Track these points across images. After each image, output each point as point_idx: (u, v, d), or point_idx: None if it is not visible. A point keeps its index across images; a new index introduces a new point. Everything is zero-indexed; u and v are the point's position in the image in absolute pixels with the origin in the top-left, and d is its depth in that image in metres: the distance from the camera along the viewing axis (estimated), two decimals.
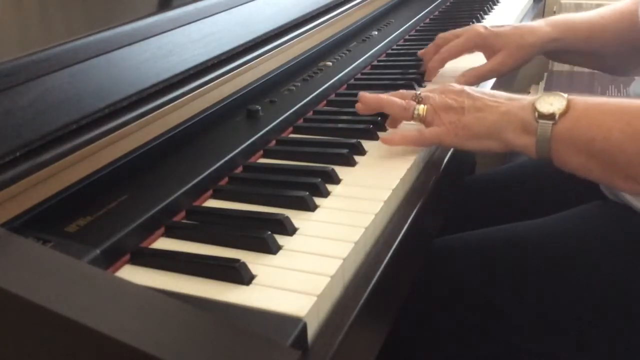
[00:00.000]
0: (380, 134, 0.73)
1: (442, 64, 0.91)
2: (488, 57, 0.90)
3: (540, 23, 0.90)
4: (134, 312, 0.38)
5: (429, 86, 0.88)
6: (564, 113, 0.62)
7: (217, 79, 0.74)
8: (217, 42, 0.76)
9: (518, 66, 0.89)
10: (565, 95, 0.63)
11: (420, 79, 0.91)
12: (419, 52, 0.95)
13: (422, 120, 0.69)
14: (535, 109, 0.63)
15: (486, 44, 0.89)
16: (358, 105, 0.73)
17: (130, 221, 0.52)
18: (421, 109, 0.69)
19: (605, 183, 0.74)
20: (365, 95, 0.73)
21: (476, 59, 0.92)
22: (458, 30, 0.92)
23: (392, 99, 0.71)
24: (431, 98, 0.70)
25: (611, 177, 0.62)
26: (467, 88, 0.70)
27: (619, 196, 0.77)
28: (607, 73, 1.05)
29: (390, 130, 0.75)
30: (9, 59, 0.52)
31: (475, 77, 0.87)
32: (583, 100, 0.63)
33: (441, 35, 0.93)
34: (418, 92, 0.71)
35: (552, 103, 0.63)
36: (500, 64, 0.87)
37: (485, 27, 0.89)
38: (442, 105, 0.68)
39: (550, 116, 0.62)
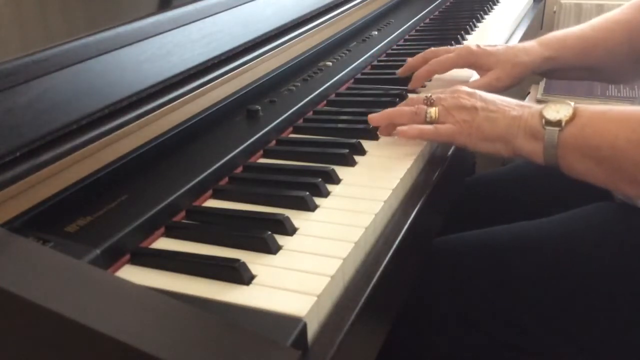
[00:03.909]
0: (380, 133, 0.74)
1: (430, 75, 0.89)
2: (480, 75, 0.89)
3: (532, 43, 0.90)
4: (134, 312, 0.38)
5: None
6: (570, 120, 0.64)
7: (217, 79, 0.74)
8: (217, 42, 0.76)
9: (512, 84, 0.87)
10: (572, 103, 0.65)
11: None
12: (409, 60, 0.92)
13: (435, 122, 0.70)
14: (542, 116, 0.65)
15: (478, 62, 0.88)
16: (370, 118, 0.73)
17: (130, 221, 0.52)
18: (433, 111, 0.70)
19: (611, 188, 0.75)
20: (373, 116, 0.73)
21: (462, 73, 0.92)
22: (450, 48, 0.91)
23: (400, 109, 0.71)
24: (442, 99, 0.70)
25: (617, 182, 0.64)
26: (478, 91, 0.70)
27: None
28: (607, 83, 1.04)
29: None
30: (9, 59, 0.52)
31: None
32: (589, 108, 0.65)
33: (432, 49, 0.91)
34: (429, 95, 0.72)
35: (558, 110, 0.64)
36: (496, 79, 0.86)
37: (478, 46, 0.88)
38: (454, 105, 0.69)
39: (557, 123, 0.64)
